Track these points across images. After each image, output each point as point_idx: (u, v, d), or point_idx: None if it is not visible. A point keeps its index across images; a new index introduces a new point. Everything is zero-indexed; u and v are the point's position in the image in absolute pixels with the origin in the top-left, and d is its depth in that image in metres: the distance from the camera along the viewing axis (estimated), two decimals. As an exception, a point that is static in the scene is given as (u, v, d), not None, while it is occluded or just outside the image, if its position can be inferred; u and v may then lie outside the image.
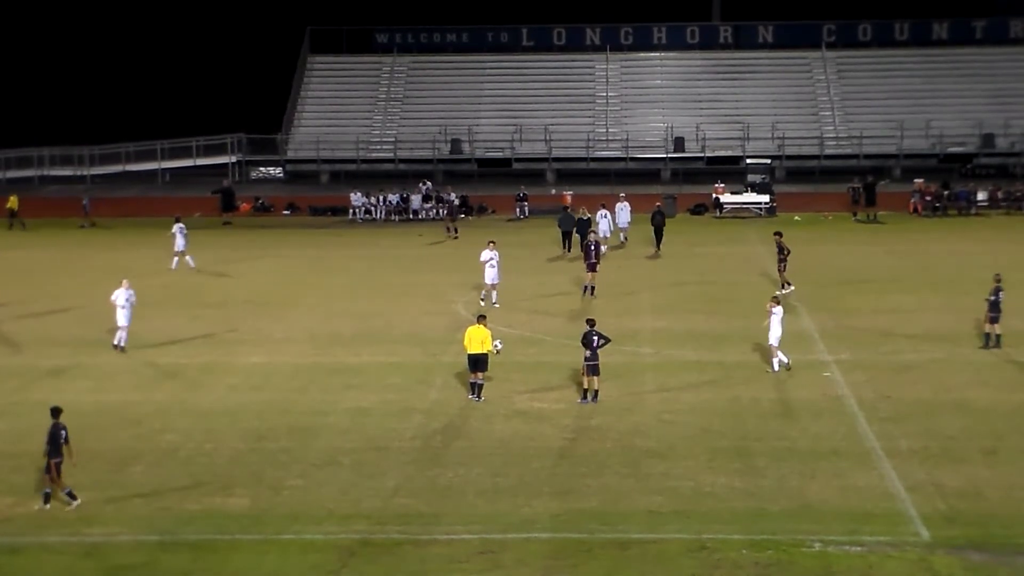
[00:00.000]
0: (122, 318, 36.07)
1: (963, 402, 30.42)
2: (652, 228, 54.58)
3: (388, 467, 26.30)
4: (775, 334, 33.18)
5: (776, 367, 33.30)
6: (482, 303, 41.99)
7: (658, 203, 58.21)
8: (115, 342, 36.29)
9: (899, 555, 21.64)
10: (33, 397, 31.95)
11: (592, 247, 43.80)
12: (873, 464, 26.10)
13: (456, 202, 63.43)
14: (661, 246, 54.25)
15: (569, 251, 52.82)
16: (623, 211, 56.83)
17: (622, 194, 59.44)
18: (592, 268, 43.46)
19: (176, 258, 50.74)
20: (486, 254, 42.13)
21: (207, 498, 24.65)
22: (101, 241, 61.39)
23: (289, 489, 25.10)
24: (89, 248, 58.99)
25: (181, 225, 51.27)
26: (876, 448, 27.06)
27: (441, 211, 67.68)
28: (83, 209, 67.00)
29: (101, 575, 21.48)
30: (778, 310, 33.38)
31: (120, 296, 36.01)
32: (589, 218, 53.56)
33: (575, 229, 52.73)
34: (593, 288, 43.32)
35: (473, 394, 30.98)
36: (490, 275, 42.07)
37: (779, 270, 43.84)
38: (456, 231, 59.47)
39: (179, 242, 50.71)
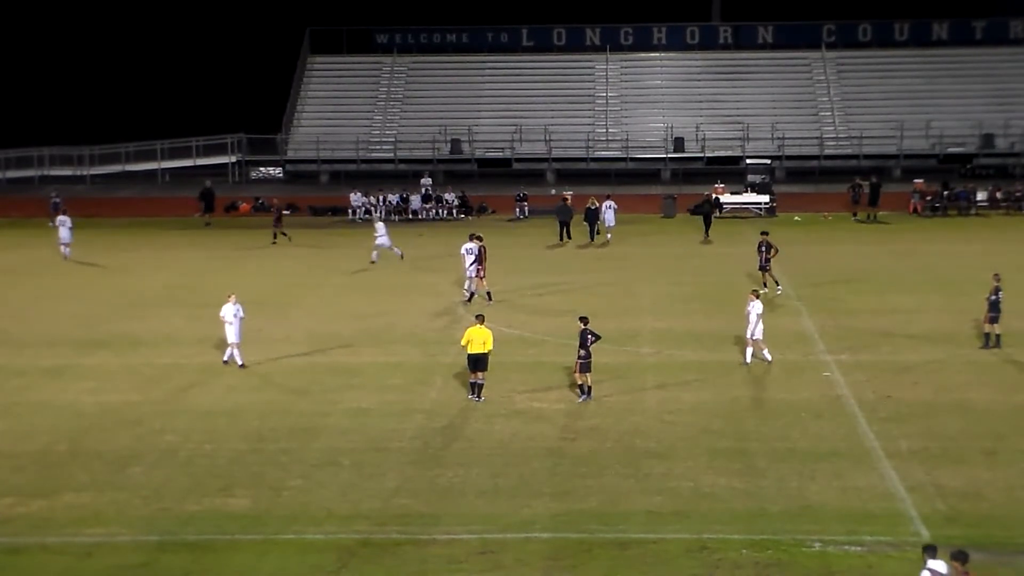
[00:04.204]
0: (231, 334, 34.18)
1: (963, 402, 30.43)
2: (701, 217, 58.46)
3: (388, 467, 26.31)
4: (753, 327, 33.62)
5: (748, 359, 33.85)
6: (465, 293, 42.90)
7: (706, 193, 62.19)
8: (224, 358, 34.65)
9: (899, 555, 21.65)
10: (33, 397, 32.02)
11: (477, 252, 42.72)
12: (873, 464, 26.12)
13: (283, 208, 61.26)
14: (709, 232, 57.54)
15: (567, 239, 56.74)
16: (609, 212, 57.55)
17: (607, 194, 60.00)
18: (479, 274, 42.69)
19: (67, 249, 53.35)
20: (467, 246, 42.97)
21: (207, 498, 24.67)
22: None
23: (289, 489, 25.11)
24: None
25: (65, 218, 54.15)
26: (876, 448, 27.08)
27: (441, 211, 67.72)
28: (53, 208, 65.87)
29: (101, 575, 21.49)
30: (756, 304, 33.60)
31: (228, 311, 34.22)
32: (596, 208, 56.91)
33: (584, 219, 56.76)
34: (486, 294, 42.62)
35: (473, 394, 31.00)
36: (471, 266, 42.72)
37: (765, 269, 43.72)
38: (287, 235, 57.66)
39: (64, 234, 53.56)
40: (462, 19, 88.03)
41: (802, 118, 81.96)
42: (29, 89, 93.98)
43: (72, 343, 37.93)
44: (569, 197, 63.71)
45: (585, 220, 56.88)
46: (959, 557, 17.92)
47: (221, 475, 25.93)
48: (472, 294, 42.96)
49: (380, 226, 51.67)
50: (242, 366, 34.46)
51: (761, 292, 42.98)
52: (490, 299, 42.53)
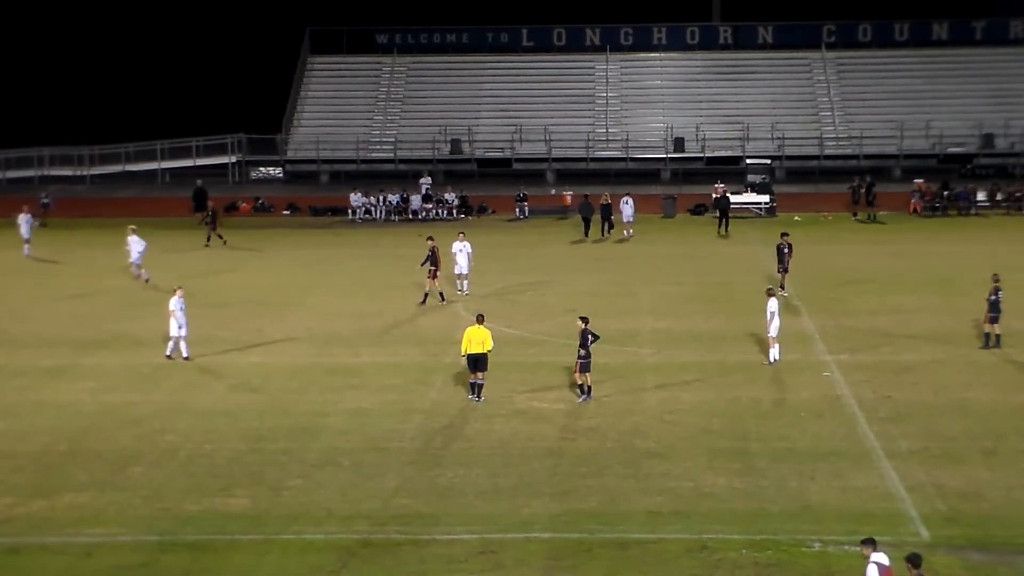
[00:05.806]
0: (175, 328, 34.79)
1: (963, 402, 30.43)
2: (718, 211, 60.71)
3: (388, 467, 26.31)
4: (774, 326, 33.65)
5: (771, 359, 33.82)
6: (458, 292, 43.37)
7: (724, 189, 63.75)
8: (167, 352, 35.11)
9: (899, 555, 21.61)
10: (33, 397, 32.01)
11: (430, 252, 42.33)
12: (873, 464, 26.12)
13: (212, 210, 59.37)
14: (728, 227, 59.16)
15: (588, 236, 58.09)
16: (627, 206, 59.89)
17: (627, 193, 61.93)
18: (432, 275, 42.31)
19: (26, 246, 54.47)
20: (456, 245, 43.68)
21: (207, 498, 24.67)
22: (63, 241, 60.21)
23: (289, 490, 25.11)
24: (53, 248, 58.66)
25: (28, 216, 55.60)
26: (876, 448, 27.07)
27: (441, 211, 67.65)
28: (43, 208, 65.38)
29: (101, 575, 21.49)
30: (772, 302, 33.69)
31: (175, 304, 34.62)
32: (609, 203, 59.10)
33: (599, 214, 58.46)
34: (427, 296, 42.31)
35: (473, 394, 31.00)
36: (460, 264, 43.51)
37: (785, 271, 43.53)
38: (222, 237, 56.89)
39: (24, 230, 54.86)
40: (462, 19, 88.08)
41: (802, 118, 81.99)
42: (29, 89, 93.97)
43: (72, 343, 37.91)
44: (569, 200, 64.70)
45: (600, 215, 58.70)
46: (912, 560, 17.84)
47: (221, 475, 25.93)
48: (432, 294, 42.45)
49: (134, 241, 47.88)
50: (187, 358, 34.96)
51: (776, 291, 43.06)
52: (443, 299, 42.53)
